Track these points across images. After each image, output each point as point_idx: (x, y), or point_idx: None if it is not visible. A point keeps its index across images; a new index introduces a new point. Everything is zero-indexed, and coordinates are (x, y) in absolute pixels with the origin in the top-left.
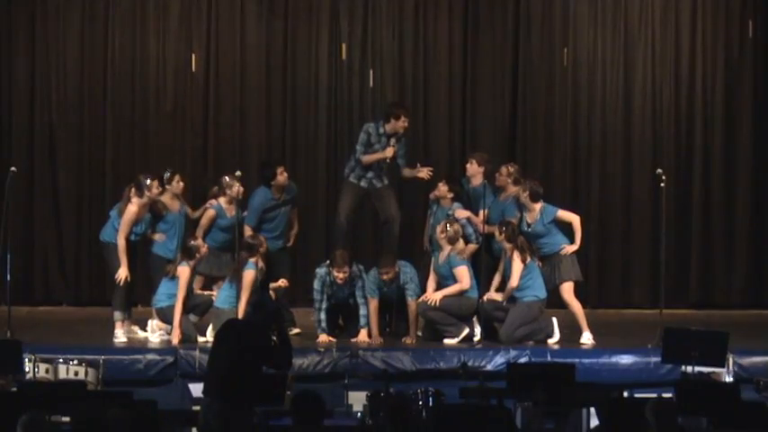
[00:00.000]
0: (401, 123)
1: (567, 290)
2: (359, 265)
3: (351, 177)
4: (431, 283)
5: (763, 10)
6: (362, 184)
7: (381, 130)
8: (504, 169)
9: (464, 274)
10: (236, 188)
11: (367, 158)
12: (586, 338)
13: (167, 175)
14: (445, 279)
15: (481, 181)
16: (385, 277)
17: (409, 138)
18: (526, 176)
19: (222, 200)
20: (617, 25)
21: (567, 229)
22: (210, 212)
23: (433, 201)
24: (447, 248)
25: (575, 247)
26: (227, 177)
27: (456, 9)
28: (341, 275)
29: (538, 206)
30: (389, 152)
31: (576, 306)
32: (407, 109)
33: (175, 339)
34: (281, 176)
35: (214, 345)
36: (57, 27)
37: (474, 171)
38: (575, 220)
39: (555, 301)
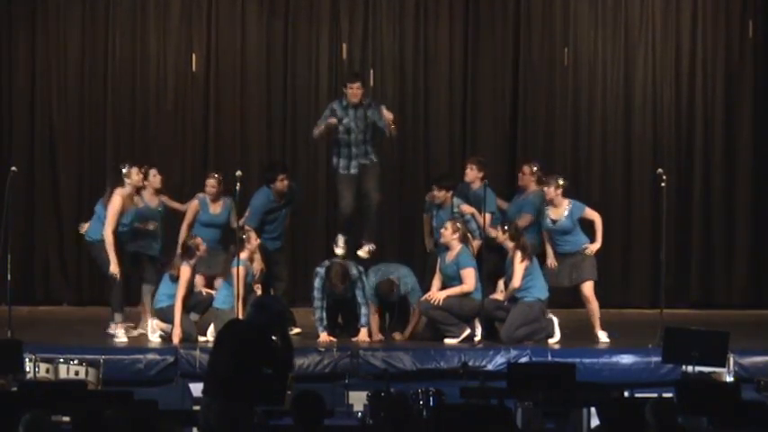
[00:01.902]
0: (351, 91)
1: (590, 288)
2: (359, 267)
3: (340, 169)
4: (436, 283)
5: (763, 10)
6: (352, 171)
7: (345, 103)
8: (526, 168)
9: (470, 276)
10: (213, 187)
11: (316, 131)
12: (604, 337)
13: (143, 169)
14: (451, 280)
15: (480, 184)
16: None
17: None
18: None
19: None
20: (617, 25)
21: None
22: (193, 203)
23: (431, 204)
24: (457, 248)
25: (598, 246)
26: (214, 174)
27: (456, 9)
28: (338, 291)
29: (566, 202)
30: (333, 121)
31: (595, 305)
32: (357, 75)
33: (176, 339)
34: (281, 183)
35: (215, 344)
36: (57, 27)
37: (474, 176)
38: (597, 218)
39: (568, 299)
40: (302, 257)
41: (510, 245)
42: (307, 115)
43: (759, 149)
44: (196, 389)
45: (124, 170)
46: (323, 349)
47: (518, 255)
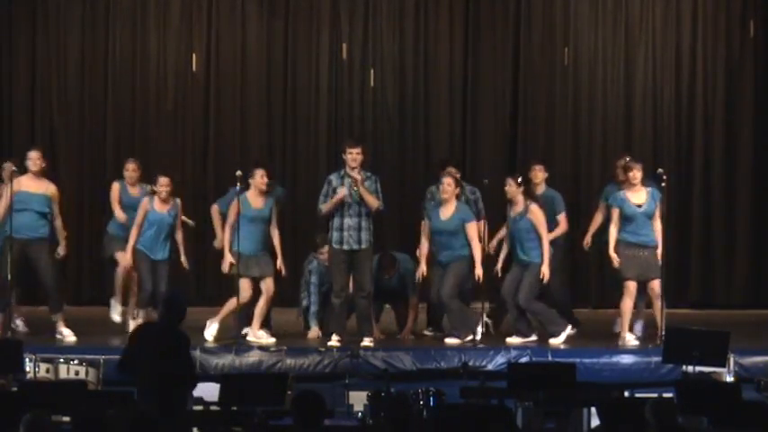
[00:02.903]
0: (351, 156)
1: (659, 285)
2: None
3: (333, 243)
4: (424, 243)
5: (764, 10)
6: (345, 247)
7: (342, 173)
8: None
9: (476, 232)
10: (134, 171)
11: (325, 207)
12: (632, 339)
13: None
14: (451, 235)
15: (545, 187)
16: (386, 276)
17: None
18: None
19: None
20: (618, 25)
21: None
22: (114, 187)
23: (437, 189)
24: (454, 202)
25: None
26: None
27: (457, 9)
28: (324, 256)
29: (644, 187)
30: (342, 192)
31: (659, 304)
32: (355, 139)
33: (127, 262)
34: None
35: (134, 349)
36: (57, 27)
37: (542, 177)
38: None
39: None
40: (302, 258)
41: (520, 198)
42: (307, 115)
43: (759, 149)
44: (196, 389)
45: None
46: (323, 349)
47: (535, 206)
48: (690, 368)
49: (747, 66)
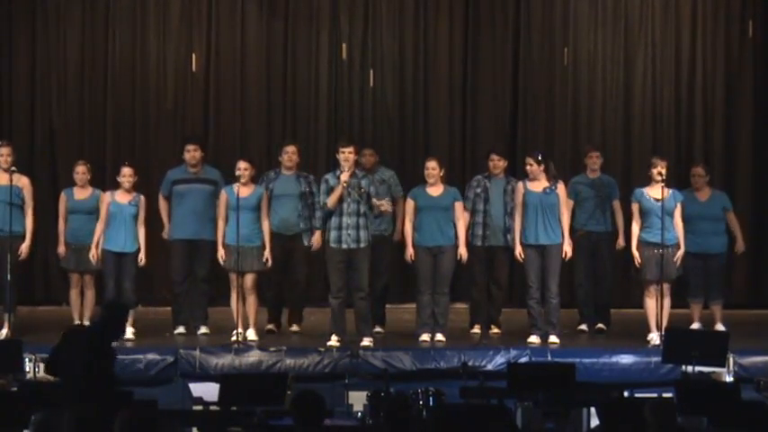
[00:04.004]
0: (342, 155)
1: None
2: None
3: (331, 242)
4: (408, 226)
5: (763, 10)
6: (343, 246)
7: (338, 173)
8: (701, 170)
9: (462, 212)
10: (83, 174)
11: (330, 200)
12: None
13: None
14: (445, 210)
15: (599, 172)
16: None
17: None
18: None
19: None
20: (617, 25)
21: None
22: (61, 197)
23: (484, 177)
24: (442, 184)
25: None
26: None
27: (456, 9)
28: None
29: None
30: (344, 177)
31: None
32: (347, 139)
33: (93, 259)
34: (188, 154)
35: (61, 351)
36: (57, 27)
37: (599, 163)
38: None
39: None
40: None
41: (543, 176)
42: (307, 115)
43: (759, 149)
44: (196, 389)
45: None
46: (323, 349)
47: (561, 187)
48: (689, 368)
49: (746, 65)
